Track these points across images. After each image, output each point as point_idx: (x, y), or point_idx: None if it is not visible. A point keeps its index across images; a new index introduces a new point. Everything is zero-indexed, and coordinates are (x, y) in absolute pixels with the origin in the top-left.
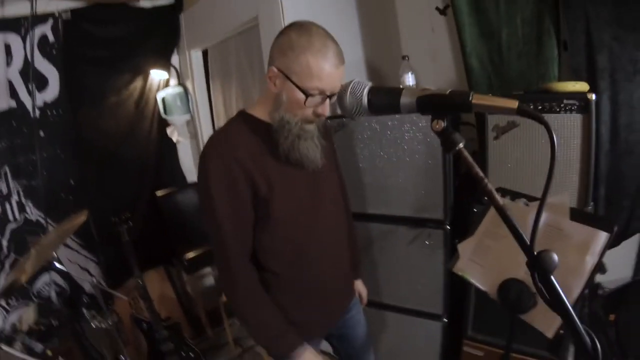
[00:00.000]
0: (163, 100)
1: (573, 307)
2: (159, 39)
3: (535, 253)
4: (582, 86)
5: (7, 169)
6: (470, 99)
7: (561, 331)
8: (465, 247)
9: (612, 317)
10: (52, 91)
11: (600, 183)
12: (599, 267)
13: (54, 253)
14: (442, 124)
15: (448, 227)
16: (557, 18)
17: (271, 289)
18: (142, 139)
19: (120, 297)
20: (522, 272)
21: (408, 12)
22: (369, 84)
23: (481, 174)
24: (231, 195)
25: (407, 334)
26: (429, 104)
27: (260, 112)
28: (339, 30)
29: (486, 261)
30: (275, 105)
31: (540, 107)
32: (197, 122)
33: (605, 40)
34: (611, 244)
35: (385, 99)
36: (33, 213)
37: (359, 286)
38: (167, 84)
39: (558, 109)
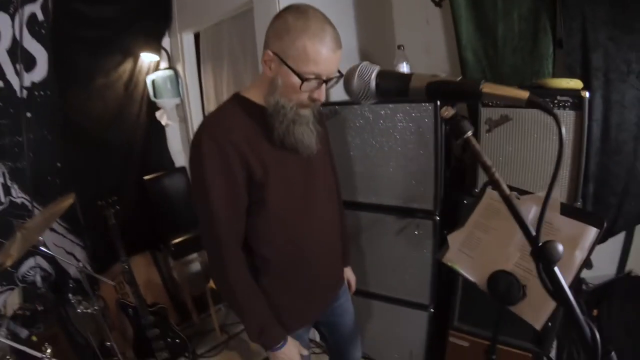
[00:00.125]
0: (153, 82)
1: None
2: (150, 20)
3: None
4: (576, 83)
5: None
6: (480, 87)
7: (549, 324)
8: (455, 238)
9: (595, 312)
10: (40, 71)
11: (589, 180)
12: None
13: (40, 237)
14: (451, 111)
15: (437, 217)
16: (553, 15)
17: (263, 275)
18: (130, 122)
19: (107, 282)
20: (511, 265)
21: (403, 2)
22: (377, 68)
23: (489, 162)
24: (225, 178)
25: (394, 323)
26: (439, 90)
27: (255, 95)
28: (333, 17)
29: (476, 253)
30: (271, 89)
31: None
32: (187, 106)
33: (600, 40)
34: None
35: (394, 83)
36: (19, 196)
37: (348, 274)
38: (157, 67)
39: (551, 105)
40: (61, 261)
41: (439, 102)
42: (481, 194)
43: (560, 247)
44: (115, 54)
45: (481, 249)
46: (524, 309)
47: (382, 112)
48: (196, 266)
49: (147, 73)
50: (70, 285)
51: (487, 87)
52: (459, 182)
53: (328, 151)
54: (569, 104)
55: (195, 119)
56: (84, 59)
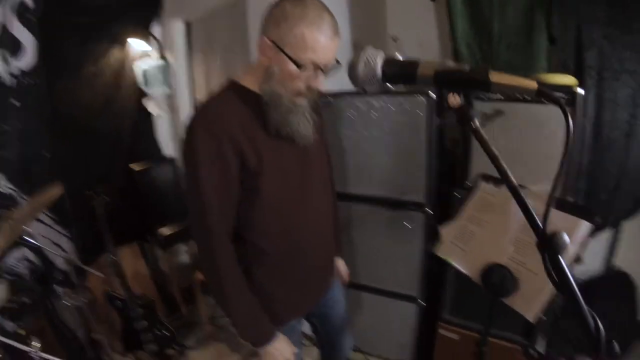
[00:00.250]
0: (144, 73)
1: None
2: (141, 8)
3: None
4: (570, 79)
5: None
6: (489, 76)
7: (544, 317)
8: (448, 231)
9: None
10: (29, 59)
11: (581, 176)
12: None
13: (27, 227)
14: (459, 100)
15: (429, 210)
16: (548, 12)
17: (257, 266)
18: (119, 111)
19: (95, 273)
20: (505, 258)
21: None
22: (383, 54)
23: (496, 151)
24: (218, 167)
25: (383, 315)
26: (447, 78)
27: (250, 83)
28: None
29: (469, 246)
30: (266, 77)
31: (527, 98)
32: (177, 96)
33: (595, 38)
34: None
35: (401, 70)
36: (5, 186)
37: (340, 265)
38: (147, 56)
39: (544, 101)
40: (48, 253)
41: (443, 91)
42: (474, 187)
43: (566, 238)
44: (105, 42)
45: (474, 242)
46: (517, 302)
47: (375, 104)
48: (184, 257)
49: (137, 61)
50: (58, 277)
51: (496, 77)
52: (449, 175)
53: (324, 142)
54: (562, 100)
55: (185, 109)
56: (73, 47)
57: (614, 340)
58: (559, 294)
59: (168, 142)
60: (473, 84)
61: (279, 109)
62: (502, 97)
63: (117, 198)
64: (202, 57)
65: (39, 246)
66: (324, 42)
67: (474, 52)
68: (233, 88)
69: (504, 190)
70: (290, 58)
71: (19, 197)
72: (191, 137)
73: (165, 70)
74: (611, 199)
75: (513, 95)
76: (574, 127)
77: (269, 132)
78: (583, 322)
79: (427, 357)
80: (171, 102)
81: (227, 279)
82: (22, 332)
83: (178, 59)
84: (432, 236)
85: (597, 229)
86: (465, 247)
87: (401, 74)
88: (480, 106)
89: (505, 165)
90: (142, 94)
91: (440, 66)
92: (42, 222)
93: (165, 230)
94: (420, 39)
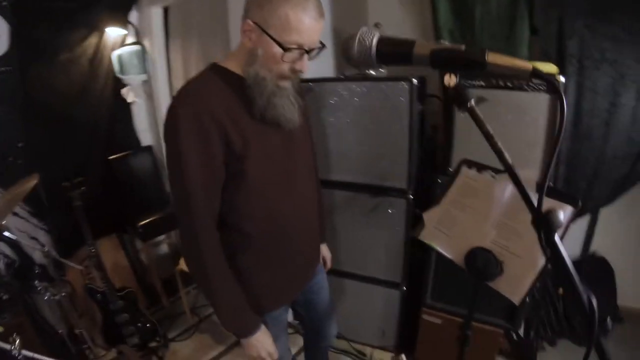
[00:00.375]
0: (119, 58)
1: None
2: None
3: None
4: (551, 67)
5: None
6: (485, 56)
7: (527, 299)
8: (430, 216)
9: (560, 291)
10: (0, 45)
11: (561, 163)
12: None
13: (3, 221)
14: (455, 80)
15: (411, 196)
16: (531, 3)
17: (242, 252)
18: (95, 99)
19: (74, 266)
20: (488, 242)
21: None
22: (378, 34)
23: (491, 131)
24: (203, 150)
25: (366, 301)
26: (443, 58)
27: (234, 66)
28: None
29: (452, 230)
30: (250, 61)
31: (509, 84)
32: (154, 82)
33: (577, 28)
34: None
35: (396, 49)
36: None
37: (324, 251)
38: (123, 42)
39: (527, 88)
40: (25, 246)
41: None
42: (456, 173)
43: (561, 215)
44: (80, 28)
45: (457, 226)
46: (501, 285)
47: (357, 90)
48: (164, 248)
49: (113, 48)
50: (36, 271)
51: (492, 57)
52: (430, 161)
53: (308, 126)
54: (543, 87)
55: (162, 96)
56: (47, 33)
57: (607, 319)
58: (542, 277)
59: (146, 130)
60: (469, 64)
61: (263, 92)
62: (484, 85)
63: (95, 189)
64: (180, 43)
65: (16, 240)
66: (309, 23)
67: (456, 40)
68: (216, 71)
69: (486, 175)
70: (274, 40)
71: None
72: (173, 119)
73: (142, 56)
74: (590, 186)
75: (504, 78)
76: (566, 108)
77: (254, 116)
78: (577, 299)
79: (411, 343)
80: (148, 89)
81: (212, 267)
82: (1, 328)
83: (155, 44)
84: (414, 222)
85: (576, 215)
86: (448, 232)
87: (397, 54)
88: None
89: (501, 145)
90: (120, 82)
91: (436, 45)
92: (17, 215)
93: (145, 221)
94: (402, 27)
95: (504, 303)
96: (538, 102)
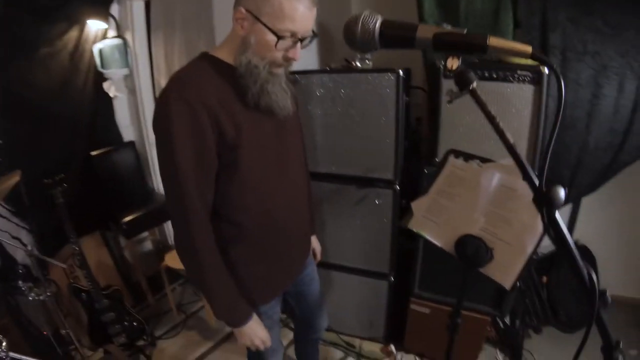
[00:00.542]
0: (100, 52)
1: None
2: None
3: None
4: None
5: None
6: (487, 40)
7: (518, 283)
8: (419, 206)
9: (544, 279)
10: None
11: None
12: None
13: None
14: (457, 63)
15: (397, 187)
16: None
17: (234, 244)
18: (76, 94)
19: (58, 264)
20: (477, 229)
21: None
22: (380, 17)
23: (492, 112)
24: (195, 141)
25: (354, 293)
26: (446, 41)
27: (225, 55)
28: None
29: (441, 219)
30: (242, 49)
31: (495, 76)
32: (136, 76)
33: (560, 20)
34: None
35: (399, 32)
36: None
37: (314, 243)
38: (105, 35)
39: (512, 79)
40: (7, 246)
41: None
42: (443, 163)
43: (562, 192)
44: (61, 21)
45: (446, 215)
46: (492, 271)
47: (344, 82)
48: (148, 245)
49: (94, 42)
50: (19, 271)
51: (493, 41)
52: (414, 153)
53: (298, 117)
54: (528, 78)
55: (145, 90)
56: (26, 27)
57: (606, 291)
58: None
59: (128, 125)
60: (471, 47)
61: (257, 80)
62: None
63: (77, 185)
64: (162, 36)
65: None
66: (303, 11)
67: None
68: (207, 60)
69: (473, 164)
70: (268, 28)
71: None
72: (164, 108)
73: (123, 50)
74: (573, 175)
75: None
76: (539, 104)
77: (247, 104)
78: (578, 274)
79: (399, 333)
80: (130, 83)
81: (205, 258)
82: None
83: (137, 38)
84: (402, 213)
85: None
86: (437, 220)
87: (399, 37)
88: (449, 84)
89: (503, 126)
90: (101, 76)
91: (438, 29)
92: None
93: (128, 217)
94: (384, 17)
95: (491, 291)
96: (522, 94)
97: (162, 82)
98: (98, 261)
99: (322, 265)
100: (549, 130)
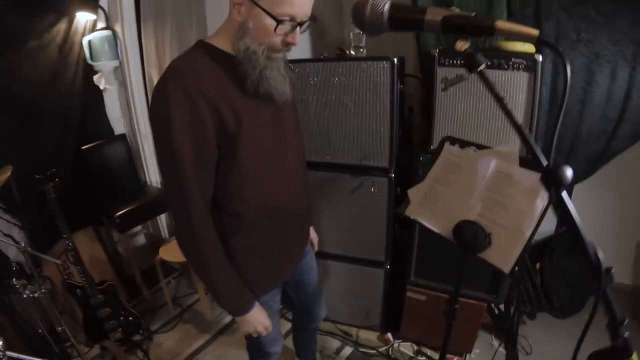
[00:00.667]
0: (89, 44)
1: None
2: None
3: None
4: (529, 47)
5: None
6: (495, 23)
7: (516, 268)
8: (415, 193)
9: (538, 265)
10: None
11: (538, 138)
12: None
13: None
14: (465, 45)
15: (393, 175)
16: None
17: (234, 235)
18: (65, 87)
19: (53, 261)
20: (474, 215)
21: None
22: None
23: (502, 93)
24: (195, 131)
25: (350, 282)
26: (454, 24)
27: (221, 42)
28: None
29: (437, 205)
30: (240, 35)
31: (489, 64)
32: (126, 68)
33: (553, 9)
34: None
35: (408, 14)
36: None
37: (311, 233)
38: (94, 27)
39: (506, 66)
40: (0, 244)
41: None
42: (439, 150)
43: (569, 172)
44: (49, 13)
45: (443, 201)
46: (491, 255)
47: (338, 70)
48: (141, 239)
49: (83, 34)
50: (14, 268)
51: (501, 24)
52: (406, 141)
53: (295, 105)
54: (522, 66)
55: (135, 82)
56: (14, 19)
57: (612, 268)
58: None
59: (119, 118)
60: (480, 30)
61: (256, 65)
62: (464, 63)
63: (68, 180)
64: (153, 27)
65: None
66: None
67: None
68: (204, 48)
69: (469, 151)
70: (266, 12)
71: None
72: (162, 98)
73: (113, 41)
74: (566, 161)
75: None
76: (533, 91)
77: (246, 92)
78: (585, 253)
79: (395, 321)
80: (120, 75)
81: (207, 249)
82: None
83: (127, 29)
84: (397, 200)
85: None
86: (433, 207)
87: (409, 19)
88: (443, 72)
89: (510, 107)
90: (91, 69)
91: (447, 12)
92: None
93: (121, 211)
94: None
95: (486, 277)
96: (516, 81)
97: (153, 73)
98: (91, 256)
99: (318, 254)
100: (543, 116)
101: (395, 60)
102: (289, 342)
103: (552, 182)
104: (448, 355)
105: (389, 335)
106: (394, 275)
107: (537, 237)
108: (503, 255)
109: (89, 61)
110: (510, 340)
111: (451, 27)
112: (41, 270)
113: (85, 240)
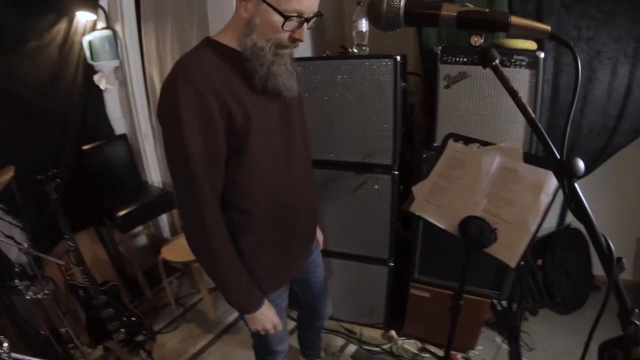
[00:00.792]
0: (89, 44)
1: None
2: None
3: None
4: (531, 44)
5: None
6: (509, 18)
7: (522, 262)
8: (420, 189)
9: (539, 261)
10: None
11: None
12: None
13: None
14: (480, 40)
15: (396, 172)
16: None
17: (243, 233)
18: (66, 87)
19: (56, 261)
20: (479, 211)
21: None
22: None
23: (515, 88)
24: (204, 126)
25: (354, 280)
26: (470, 19)
27: (228, 39)
28: None
29: (442, 201)
30: (247, 31)
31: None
32: (127, 68)
33: (554, 7)
34: None
35: (424, 10)
36: None
37: (317, 231)
38: (94, 27)
39: (508, 64)
40: (2, 245)
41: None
42: (443, 146)
43: (581, 164)
44: (49, 13)
45: (448, 197)
46: (497, 250)
47: (341, 68)
48: (143, 239)
49: (83, 34)
50: (16, 269)
51: (515, 19)
52: (407, 139)
53: (301, 101)
54: (524, 63)
55: (136, 82)
56: (14, 19)
57: (622, 258)
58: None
59: (119, 118)
60: (494, 25)
61: (264, 62)
62: (467, 61)
63: (69, 181)
64: (153, 27)
65: None
66: None
67: None
68: (210, 45)
69: (473, 147)
70: (274, 8)
71: None
72: (171, 95)
73: (113, 41)
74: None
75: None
76: (535, 88)
77: (253, 88)
78: (597, 243)
79: (399, 319)
80: (120, 75)
81: (217, 246)
82: None
83: (127, 29)
84: (401, 197)
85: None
86: (438, 203)
87: (424, 15)
88: (446, 69)
89: (524, 101)
90: (91, 69)
91: (462, 7)
92: None
93: (123, 211)
94: None
95: (490, 274)
96: (519, 78)
97: (154, 73)
98: (93, 257)
99: (322, 252)
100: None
101: (398, 58)
102: (294, 341)
103: (566, 174)
104: (452, 352)
105: (393, 332)
106: (397, 273)
107: (538, 234)
108: (509, 250)
109: (89, 61)
110: (513, 336)
111: (466, 23)
112: (44, 272)
113: (86, 241)
